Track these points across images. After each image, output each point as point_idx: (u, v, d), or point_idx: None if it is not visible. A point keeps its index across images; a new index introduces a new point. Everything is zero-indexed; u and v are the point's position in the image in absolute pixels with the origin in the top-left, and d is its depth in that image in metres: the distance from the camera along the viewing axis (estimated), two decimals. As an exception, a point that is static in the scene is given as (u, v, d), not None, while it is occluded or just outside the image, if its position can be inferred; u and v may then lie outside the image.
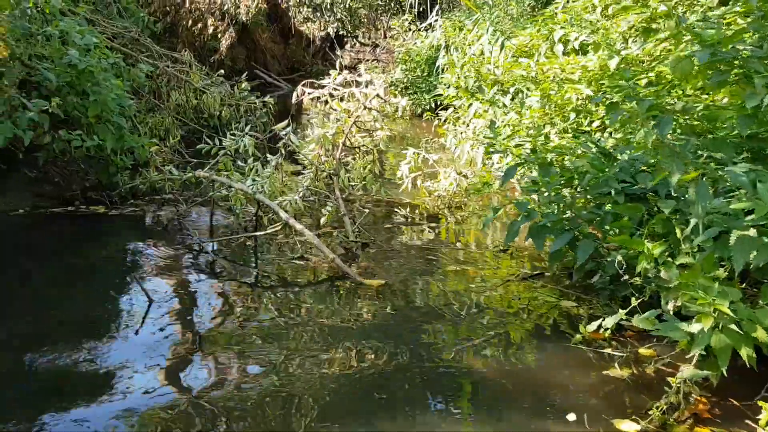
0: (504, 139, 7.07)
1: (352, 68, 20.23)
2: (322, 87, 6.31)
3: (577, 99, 6.21)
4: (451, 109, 9.27)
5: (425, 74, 13.95)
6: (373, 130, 6.35)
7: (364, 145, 6.40)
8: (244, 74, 10.67)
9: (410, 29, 17.45)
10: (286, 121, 6.13)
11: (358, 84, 6.32)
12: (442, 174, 7.29)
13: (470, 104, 7.78)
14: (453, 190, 7.14)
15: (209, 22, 11.99)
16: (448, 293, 4.71)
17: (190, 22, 11.99)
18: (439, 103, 12.90)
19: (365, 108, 6.07)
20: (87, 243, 5.37)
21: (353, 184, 6.60)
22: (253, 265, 5.12)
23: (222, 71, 10.22)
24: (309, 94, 6.28)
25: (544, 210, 4.53)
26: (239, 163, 6.29)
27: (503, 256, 5.54)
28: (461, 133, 8.21)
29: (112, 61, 6.50)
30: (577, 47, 6.96)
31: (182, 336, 3.94)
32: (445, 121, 9.09)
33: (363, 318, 4.27)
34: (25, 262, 4.94)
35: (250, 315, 4.29)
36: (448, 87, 11.09)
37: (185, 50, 8.81)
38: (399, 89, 14.37)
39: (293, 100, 6.23)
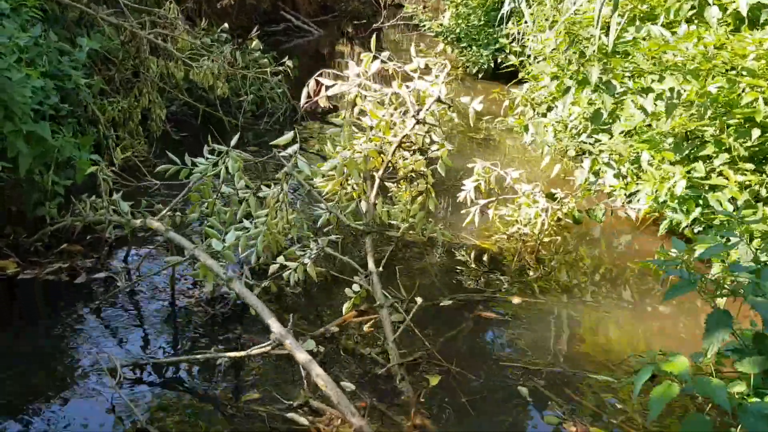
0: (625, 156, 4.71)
1: (396, 5, 17.54)
2: (346, 79, 3.98)
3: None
4: (527, 85, 6.82)
5: (482, 23, 11.34)
6: (426, 148, 4.04)
7: (412, 171, 4.11)
8: (254, 29, 8.35)
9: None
10: (290, 134, 3.85)
11: (404, 77, 3.96)
12: (522, 197, 4.99)
13: (567, 87, 5.32)
14: (542, 223, 4.84)
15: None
16: None
17: (192, -44, 9.56)
18: (500, 61, 10.37)
19: (417, 122, 3.74)
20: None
21: (394, 221, 4.36)
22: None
23: (226, 25, 7.89)
24: (327, 89, 3.96)
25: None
26: (227, 188, 4.10)
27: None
28: (547, 126, 5.81)
29: (27, 37, 4.23)
30: (744, 13, 4.44)
31: None
32: (516, 105, 6.67)
33: None
34: None
35: None
36: (509, 53, 8.51)
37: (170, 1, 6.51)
38: (448, 39, 11.83)
39: (302, 102, 3.91)
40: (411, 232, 4.45)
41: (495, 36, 10.60)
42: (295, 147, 3.81)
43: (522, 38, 8.61)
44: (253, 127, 7.60)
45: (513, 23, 9.66)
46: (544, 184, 5.76)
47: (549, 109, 6.57)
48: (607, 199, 5.07)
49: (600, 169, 4.97)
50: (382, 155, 3.82)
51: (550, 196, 5.06)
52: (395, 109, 3.93)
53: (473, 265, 4.48)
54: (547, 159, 5.42)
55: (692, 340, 3.67)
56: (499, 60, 10.28)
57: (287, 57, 7.74)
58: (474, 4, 11.54)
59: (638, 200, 4.60)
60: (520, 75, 6.84)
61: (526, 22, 8.34)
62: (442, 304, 3.86)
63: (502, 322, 3.79)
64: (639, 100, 4.23)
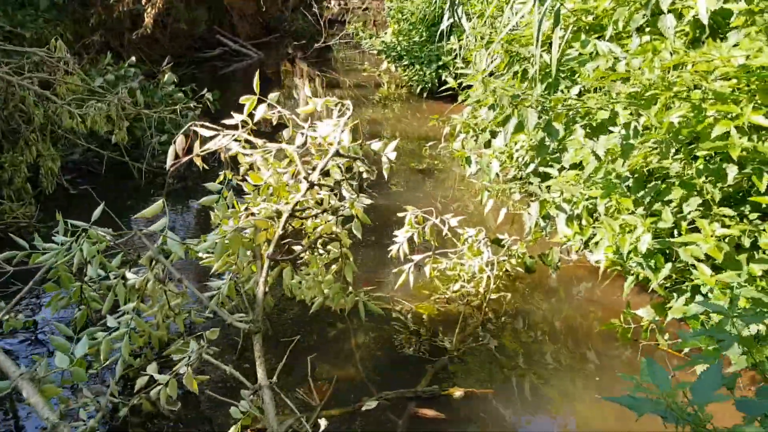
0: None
1: (339, 22, 16.77)
2: (228, 128, 3.15)
3: (744, 135, 3.06)
4: (467, 110, 6.09)
5: (424, 39, 10.67)
6: (336, 207, 3.25)
7: (321, 236, 3.32)
8: (165, 61, 7.52)
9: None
10: (158, 203, 3.04)
11: (294, 124, 3.17)
12: (464, 246, 4.25)
13: (506, 116, 4.58)
14: (488, 278, 4.09)
15: (125, -16, 8.71)
16: None
17: (101, -16, 8.71)
18: (443, 79, 9.67)
19: (311, 185, 2.95)
20: None
21: (304, 297, 3.55)
22: None
23: (133, 59, 7.08)
24: (202, 144, 3.14)
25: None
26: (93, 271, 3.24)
27: None
28: (491, 157, 5.08)
29: None
30: (705, 21, 3.76)
31: None
32: (457, 132, 5.91)
33: None
34: None
35: None
36: (453, 70, 7.81)
37: (62, 37, 5.63)
38: (390, 57, 11.12)
39: (168, 162, 3.08)
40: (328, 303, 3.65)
41: (437, 53, 9.94)
42: (163, 221, 3.01)
43: (464, 54, 7.95)
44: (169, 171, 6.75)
45: (454, 38, 9.05)
46: (491, 225, 5.04)
47: (493, 135, 5.85)
48: (560, 246, 4.34)
49: (550, 211, 4.23)
50: (272, 227, 3.02)
51: (497, 242, 4.33)
52: (289, 163, 3.13)
53: (408, 339, 3.71)
54: (491, 203, 4.68)
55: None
56: (443, 77, 9.61)
57: (207, 88, 6.97)
58: (414, 20, 10.88)
59: (596, 246, 3.86)
60: (460, 98, 6.11)
61: (467, 37, 7.68)
62: (364, 408, 3.06)
63: (440, 423, 3.02)
64: (589, 143, 3.50)
